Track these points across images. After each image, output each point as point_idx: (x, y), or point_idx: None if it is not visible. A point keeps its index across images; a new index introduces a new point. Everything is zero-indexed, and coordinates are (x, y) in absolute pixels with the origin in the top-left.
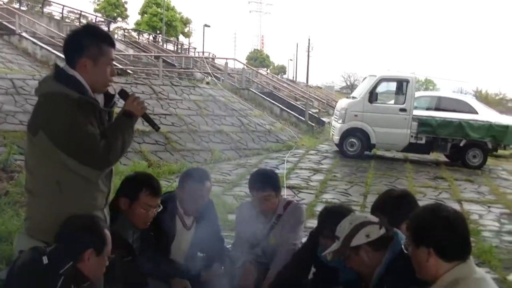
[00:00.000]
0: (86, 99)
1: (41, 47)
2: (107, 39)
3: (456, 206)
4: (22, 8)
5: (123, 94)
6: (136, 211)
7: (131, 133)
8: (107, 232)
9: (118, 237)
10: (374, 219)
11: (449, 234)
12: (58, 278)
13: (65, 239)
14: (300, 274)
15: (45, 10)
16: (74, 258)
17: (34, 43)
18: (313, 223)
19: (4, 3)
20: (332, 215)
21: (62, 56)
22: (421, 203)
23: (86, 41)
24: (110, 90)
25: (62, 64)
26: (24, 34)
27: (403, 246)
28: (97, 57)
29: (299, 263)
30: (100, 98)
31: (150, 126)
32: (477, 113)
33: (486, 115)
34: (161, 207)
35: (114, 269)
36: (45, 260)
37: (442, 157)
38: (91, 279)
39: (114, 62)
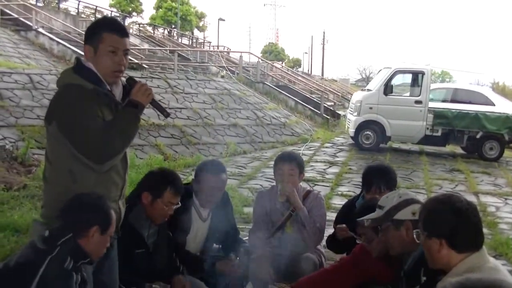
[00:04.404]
0: (101, 91)
1: (58, 42)
2: (111, 26)
3: (472, 199)
4: (38, 4)
5: (131, 82)
6: (157, 207)
7: (135, 124)
8: (113, 213)
9: (132, 229)
10: (422, 201)
11: (462, 226)
12: (54, 248)
13: (70, 215)
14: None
15: (61, 5)
16: (77, 232)
17: (51, 38)
18: (329, 216)
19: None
20: (379, 172)
21: (78, 51)
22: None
23: (91, 29)
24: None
25: (83, 57)
26: (40, 29)
27: (414, 236)
28: (97, 45)
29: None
30: (118, 91)
31: (159, 112)
32: (494, 104)
33: (503, 106)
34: (180, 204)
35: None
36: (46, 233)
37: (458, 150)
38: (92, 256)
39: (129, 57)
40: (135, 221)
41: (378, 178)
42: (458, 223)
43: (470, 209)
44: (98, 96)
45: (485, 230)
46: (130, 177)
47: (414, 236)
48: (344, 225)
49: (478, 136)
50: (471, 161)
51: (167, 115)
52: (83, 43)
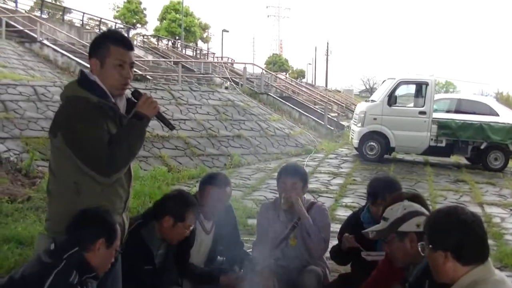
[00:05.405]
0: (106, 104)
1: (62, 54)
2: (117, 40)
3: (477, 209)
4: (43, 16)
5: (137, 94)
6: (178, 231)
7: (141, 136)
8: (118, 227)
9: (144, 245)
10: (427, 212)
11: (466, 238)
12: (60, 262)
13: (77, 229)
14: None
15: (65, 17)
16: (83, 246)
17: (55, 50)
18: (333, 227)
19: (26, 12)
20: (385, 184)
21: (83, 62)
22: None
23: (97, 43)
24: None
25: (87, 70)
26: (45, 41)
27: (419, 248)
28: (103, 58)
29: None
30: (121, 104)
31: (164, 125)
32: (498, 115)
33: (507, 117)
34: (194, 226)
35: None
36: (52, 246)
37: (462, 160)
38: (97, 270)
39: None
40: (147, 238)
41: (383, 190)
42: (464, 236)
43: (476, 221)
44: (103, 109)
45: (490, 241)
46: (134, 189)
47: (419, 248)
48: (351, 235)
49: (482, 147)
50: (476, 171)
51: (172, 128)
52: (87, 54)
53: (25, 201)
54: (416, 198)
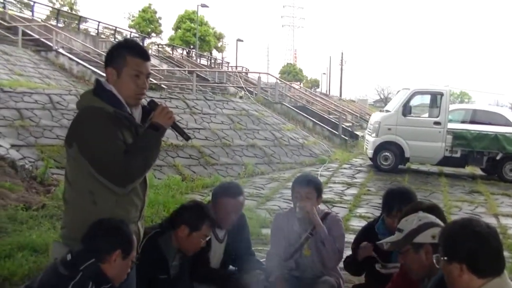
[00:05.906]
0: (122, 114)
1: (77, 62)
2: (134, 50)
3: (492, 221)
4: (59, 25)
5: (153, 104)
6: (193, 241)
7: (156, 147)
8: (134, 238)
9: (160, 254)
10: (443, 224)
11: (481, 250)
12: (76, 274)
13: (93, 239)
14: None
15: (81, 26)
16: (99, 257)
17: (71, 58)
18: (347, 237)
19: (42, 20)
20: (401, 195)
21: (98, 71)
22: (456, 218)
23: (113, 52)
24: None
25: (103, 79)
26: (61, 50)
27: (434, 260)
28: (120, 68)
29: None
30: (137, 113)
31: (180, 135)
32: None
33: None
34: (209, 237)
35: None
36: (68, 257)
37: (478, 171)
38: (113, 281)
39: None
40: (163, 247)
41: (399, 202)
42: (479, 247)
43: (491, 233)
44: (118, 119)
45: (505, 253)
46: (148, 197)
47: (434, 260)
48: (371, 244)
49: (498, 157)
50: (491, 182)
51: (187, 138)
52: (102, 63)
53: (39, 208)
54: (433, 209)
